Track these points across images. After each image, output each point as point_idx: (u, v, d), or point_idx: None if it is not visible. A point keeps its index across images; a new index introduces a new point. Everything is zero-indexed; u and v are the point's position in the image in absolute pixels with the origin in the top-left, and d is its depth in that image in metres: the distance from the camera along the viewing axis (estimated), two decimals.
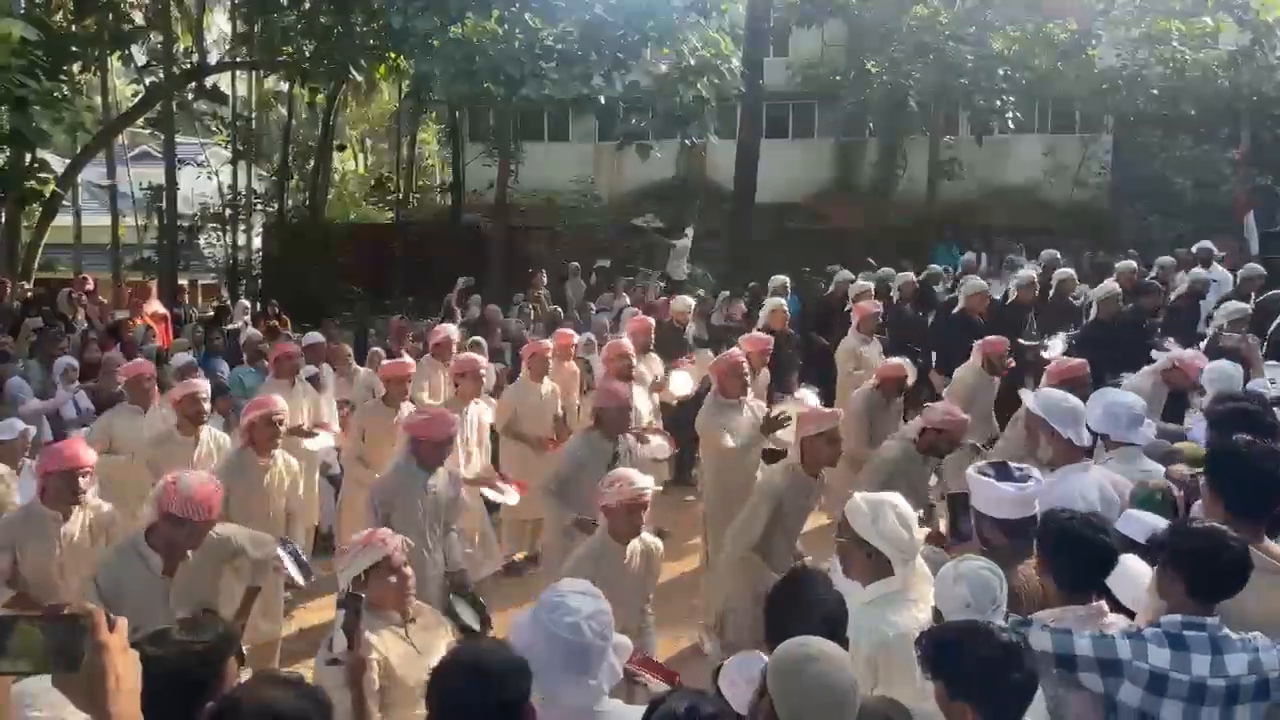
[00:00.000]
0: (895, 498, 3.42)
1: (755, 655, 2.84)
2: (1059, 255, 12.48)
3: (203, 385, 6.37)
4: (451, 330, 8.75)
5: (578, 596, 2.81)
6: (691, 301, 10.77)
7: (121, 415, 6.77)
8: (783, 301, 9.92)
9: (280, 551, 5.87)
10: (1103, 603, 3.07)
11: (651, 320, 8.90)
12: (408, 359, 7.77)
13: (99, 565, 4.25)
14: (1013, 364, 7.87)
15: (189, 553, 4.22)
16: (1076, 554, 3.03)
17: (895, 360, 7.41)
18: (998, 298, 10.25)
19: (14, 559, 4.61)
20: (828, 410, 5.29)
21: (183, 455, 5.89)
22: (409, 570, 3.63)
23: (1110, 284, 9.46)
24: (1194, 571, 2.81)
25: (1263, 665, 2.74)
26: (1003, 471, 3.67)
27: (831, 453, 5.13)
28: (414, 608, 3.65)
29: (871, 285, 10.92)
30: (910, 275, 11.51)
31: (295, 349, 7.88)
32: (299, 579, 6.08)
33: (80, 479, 4.66)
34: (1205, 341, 7.89)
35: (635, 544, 4.40)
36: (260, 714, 2.29)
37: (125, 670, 1.67)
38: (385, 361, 7.65)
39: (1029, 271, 10.64)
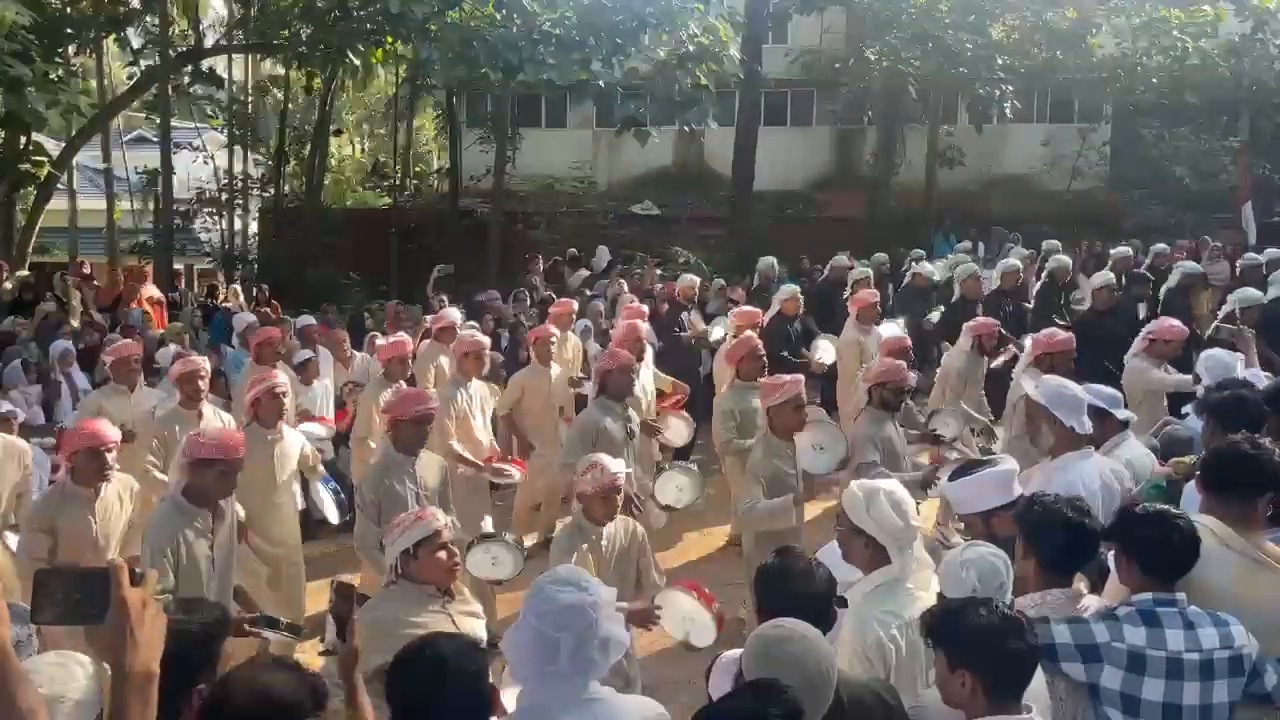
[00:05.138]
0: (891, 484, 3.40)
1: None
2: (1059, 245, 12.34)
3: (201, 363, 6.45)
4: (454, 314, 8.71)
5: (554, 587, 2.70)
6: (696, 280, 10.78)
7: (108, 395, 6.85)
8: (795, 288, 9.66)
9: (321, 487, 5.94)
10: (1082, 585, 3.09)
11: (643, 328, 8.17)
12: (404, 337, 7.64)
13: (149, 530, 4.39)
14: (1013, 353, 7.82)
15: (224, 510, 4.45)
16: (1058, 537, 3.06)
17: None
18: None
19: (54, 540, 4.72)
20: (789, 378, 5.46)
21: (188, 430, 5.86)
22: (455, 549, 3.70)
23: (1105, 273, 9.38)
24: (1145, 554, 2.89)
25: (1233, 638, 2.79)
26: (968, 467, 3.74)
27: (798, 419, 5.35)
28: (454, 585, 3.72)
29: (870, 273, 10.68)
30: (927, 265, 11.43)
31: (276, 334, 7.70)
32: (333, 518, 6.11)
33: (106, 455, 4.77)
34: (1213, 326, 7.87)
35: (612, 526, 4.45)
36: (255, 697, 2.28)
37: (147, 625, 1.69)
38: (381, 341, 7.60)
39: (1016, 260, 10.67)
